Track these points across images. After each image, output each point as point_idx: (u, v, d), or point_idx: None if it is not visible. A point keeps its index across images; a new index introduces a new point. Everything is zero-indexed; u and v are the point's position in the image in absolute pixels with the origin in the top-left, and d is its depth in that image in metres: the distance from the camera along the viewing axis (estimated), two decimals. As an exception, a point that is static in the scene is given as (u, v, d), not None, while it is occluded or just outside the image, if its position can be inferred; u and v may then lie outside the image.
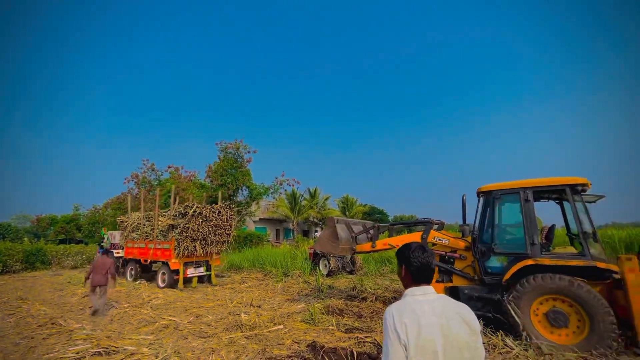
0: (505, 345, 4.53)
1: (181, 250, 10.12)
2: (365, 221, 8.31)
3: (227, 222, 11.22)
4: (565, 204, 5.52)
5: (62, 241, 25.03)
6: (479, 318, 5.17)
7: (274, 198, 27.55)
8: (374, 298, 7.85)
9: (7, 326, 6.26)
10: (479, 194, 5.78)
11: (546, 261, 4.73)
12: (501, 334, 4.79)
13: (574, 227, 5.22)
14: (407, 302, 1.35)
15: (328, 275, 12.29)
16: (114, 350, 4.77)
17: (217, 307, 7.72)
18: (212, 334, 5.70)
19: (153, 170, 28.36)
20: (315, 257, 13.23)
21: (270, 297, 8.94)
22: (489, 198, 5.59)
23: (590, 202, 5.40)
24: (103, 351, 4.70)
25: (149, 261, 11.52)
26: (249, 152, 25.64)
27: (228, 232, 11.31)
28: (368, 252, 7.45)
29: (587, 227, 4.83)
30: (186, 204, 11.16)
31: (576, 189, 4.91)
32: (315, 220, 35.71)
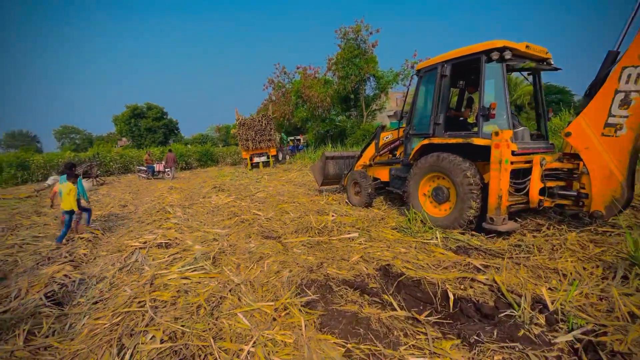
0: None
1: (241, 147, 17.28)
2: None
3: (266, 127, 16.91)
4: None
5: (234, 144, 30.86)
6: (399, 195, 5.67)
7: (404, 85, 23.69)
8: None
9: (140, 210, 7.46)
10: (416, 72, 5.43)
11: (436, 140, 4.68)
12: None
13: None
14: None
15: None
16: (176, 244, 4.58)
17: (310, 204, 6.90)
18: (278, 235, 4.85)
19: (285, 73, 29.13)
20: None
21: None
22: (419, 77, 5.33)
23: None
24: (165, 243, 4.57)
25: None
26: (371, 32, 21.79)
27: (270, 134, 17.03)
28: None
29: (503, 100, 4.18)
30: (237, 117, 17.34)
31: (491, 57, 4.04)
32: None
